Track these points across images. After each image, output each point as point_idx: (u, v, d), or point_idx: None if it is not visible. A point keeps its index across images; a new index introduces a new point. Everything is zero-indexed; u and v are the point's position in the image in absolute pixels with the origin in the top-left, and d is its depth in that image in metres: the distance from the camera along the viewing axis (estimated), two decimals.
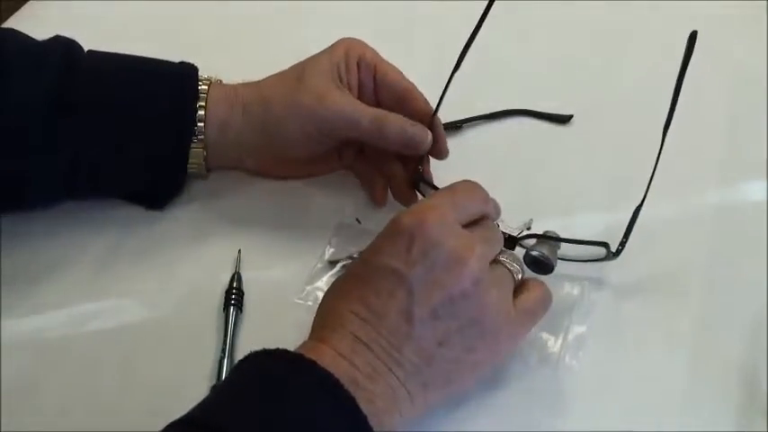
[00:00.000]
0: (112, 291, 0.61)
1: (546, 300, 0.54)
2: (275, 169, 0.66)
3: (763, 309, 0.58)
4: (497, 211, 0.56)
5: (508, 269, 0.53)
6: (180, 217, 0.65)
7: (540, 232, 0.58)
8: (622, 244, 0.59)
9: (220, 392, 0.48)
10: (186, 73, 0.63)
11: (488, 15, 0.59)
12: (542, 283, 0.55)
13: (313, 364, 0.46)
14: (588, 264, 0.60)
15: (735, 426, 0.53)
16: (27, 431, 0.54)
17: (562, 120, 0.72)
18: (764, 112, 0.71)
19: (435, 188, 0.61)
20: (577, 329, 0.58)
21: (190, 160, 0.63)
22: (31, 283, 0.61)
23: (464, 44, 0.59)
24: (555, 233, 0.58)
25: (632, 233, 0.59)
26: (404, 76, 0.63)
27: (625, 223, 0.62)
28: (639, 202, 0.58)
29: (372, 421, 0.45)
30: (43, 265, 0.62)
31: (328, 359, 0.47)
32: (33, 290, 0.61)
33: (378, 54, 0.63)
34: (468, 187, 0.55)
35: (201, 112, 0.61)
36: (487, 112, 0.72)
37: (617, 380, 0.56)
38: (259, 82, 0.64)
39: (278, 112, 0.61)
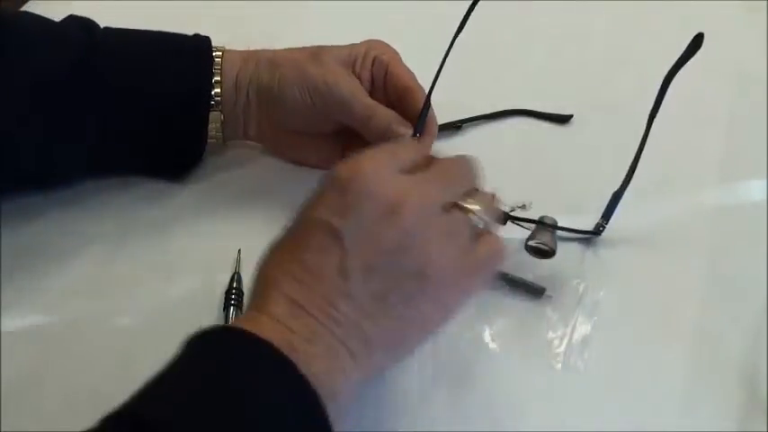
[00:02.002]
0: (112, 290, 0.61)
1: (498, 253, 0.50)
2: (274, 141, 0.67)
3: (763, 309, 0.58)
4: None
5: (468, 219, 0.49)
6: (180, 217, 0.65)
7: (536, 217, 0.59)
8: (602, 225, 0.62)
9: (153, 380, 0.45)
10: (200, 43, 0.64)
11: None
12: (496, 237, 0.51)
13: (247, 334, 0.44)
14: (591, 263, 0.61)
15: (735, 426, 0.53)
16: (27, 430, 0.54)
17: (562, 120, 0.72)
18: (764, 112, 0.71)
19: None
20: (582, 330, 0.58)
21: (209, 125, 0.64)
22: (31, 282, 0.61)
23: (450, 45, 0.60)
24: (551, 218, 0.59)
25: (633, 233, 0.59)
26: (413, 78, 0.64)
27: (624, 223, 0.62)
28: (620, 185, 0.60)
29: (314, 383, 0.43)
30: (43, 263, 0.62)
31: (265, 327, 0.45)
32: (33, 288, 0.61)
33: (396, 56, 0.64)
34: (411, 140, 0.57)
35: (218, 78, 0.63)
36: (487, 112, 0.72)
37: (618, 380, 0.56)
38: (275, 50, 0.65)
39: (284, 75, 0.63)
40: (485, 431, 0.53)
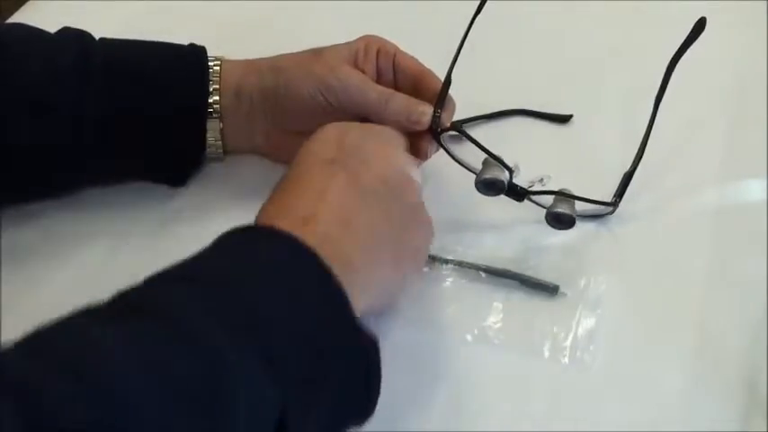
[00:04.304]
0: (113, 290, 0.61)
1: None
2: (285, 148, 0.65)
3: (763, 309, 0.58)
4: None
5: None
6: (180, 216, 0.65)
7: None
8: (616, 203, 0.62)
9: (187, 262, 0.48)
10: (195, 52, 0.64)
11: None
12: None
13: (288, 237, 0.47)
14: (592, 258, 0.61)
15: (735, 426, 0.53)
16: None
17: (562, 120, 0.72)
18: (764, 112, 0.71)
19: (462, 132, 0.62)
20: (587, 323, 0.58)
21: (207, 135, 0.64)
22: (31, 283, 0.61)
23: (462, 40, 0.60)
24: (569, 190, 0.61)
25: (633, 231, 0.60)
26: (422, 64, 0.64)
27: (624, 221, 0.62)
28: (631, 165, 0.61)
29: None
30: (43, 264, 0.62)
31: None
32: (34, 289, 0.61)
33: (398, 47, 0.65)
34: None
35: (217, 86, 0.63)
36: (487, 112, 0.72)
37: (620, 377, 0.56)
38: (274, 56, 0.65)
39: (289, 78, 0.62)
40: (490, 430, 0.53)
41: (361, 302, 0.48)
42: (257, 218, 0.52)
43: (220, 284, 0.44)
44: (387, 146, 0.57)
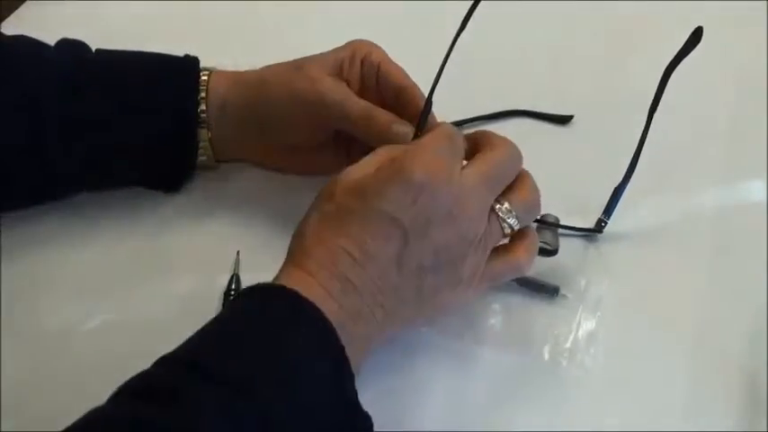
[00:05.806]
0: (112, 292, 0.61)
1: (517, 268, 0.56)
2: (276, 158, 0.67)
3: (763, 309, 0.58)
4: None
5: (500, 225, 0.54)
6: (178, 219, 0.65)
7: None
8: (604, 221, 0.63)
9: (210, 329, 0.48)
10: (188, 63, 0.64)
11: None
12: (517, 253, 0.55)
13: (307, 303, 0.47)
14: (592, 259, 0.62)
15: (735, 426, 0.53)
16: (27, 430, 0.54)
17: (562, 120, 0.72)
18: (764, 112, 0.71)
19: None
20: (587, 326, 0.58)
21: (198, 146, 0.64)
22: (30, 284, 0.61)
23: (453, 43, 0.59)
24: (553, 216, 0.60)
25: (633, 231, 0.60)
26: (406, 76, 0.63)
27: (624, 221, 0.62)
28: (621, 180, 0.61)
29: (352, 364, 0.48)
30: (43, 265, 0.62)
31: (318, 298, 0.48)
32: (33, 290, 0.61)
33: (385, 54, 0.63)
34: (456, 129, 0.56)
35: (203, 94, 0.63)
36: (487, 112, 0.72)
37: (617, 382, 0.56)
38: (261, 68, 0.65)
39: (272, 94, 0.62)
40: (492, 431, 0.53)
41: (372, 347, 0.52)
42: (305, 234, 0.52)
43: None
44: (459, 212, 0.51)
